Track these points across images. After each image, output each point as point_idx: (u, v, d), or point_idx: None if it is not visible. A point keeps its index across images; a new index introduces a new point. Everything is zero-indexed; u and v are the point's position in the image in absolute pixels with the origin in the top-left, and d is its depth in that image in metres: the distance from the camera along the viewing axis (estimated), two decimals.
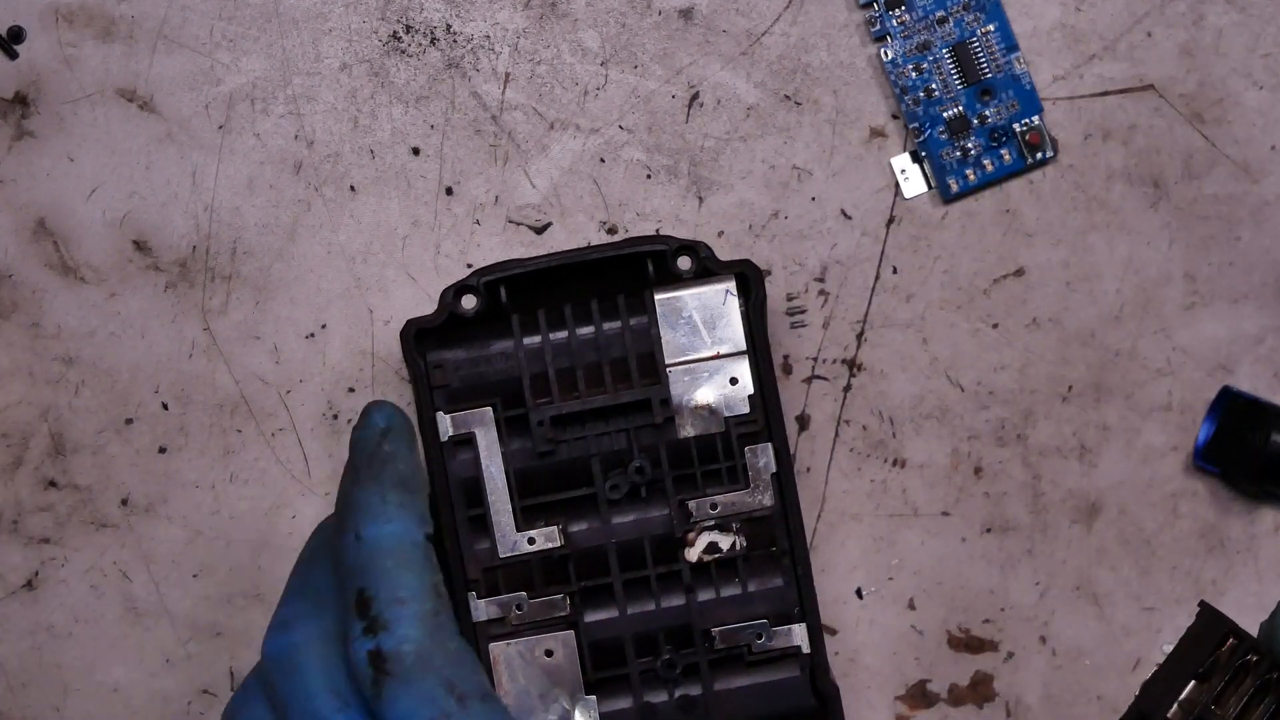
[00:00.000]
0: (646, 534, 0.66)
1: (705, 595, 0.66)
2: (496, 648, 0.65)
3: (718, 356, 0.66)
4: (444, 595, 0.58)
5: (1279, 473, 0.69)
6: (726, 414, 0.66)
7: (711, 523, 0.66)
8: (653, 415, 0.65)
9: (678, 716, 0.65)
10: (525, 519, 0.66)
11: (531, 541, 0.65)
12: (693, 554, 0.66)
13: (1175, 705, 0.58)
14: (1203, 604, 0.60)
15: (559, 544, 0.65)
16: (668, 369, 0.66)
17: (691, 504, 0.66)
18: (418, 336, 0.66)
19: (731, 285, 0.66)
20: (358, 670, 0.56)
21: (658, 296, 0.66)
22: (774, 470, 0.66)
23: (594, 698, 0.65)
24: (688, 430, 0.66)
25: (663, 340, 0.66)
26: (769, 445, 0.66)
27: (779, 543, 0.66)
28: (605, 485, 0.65)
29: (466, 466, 0.66)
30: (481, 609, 0.65)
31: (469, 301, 0.66)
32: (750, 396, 0.66)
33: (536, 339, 0.66)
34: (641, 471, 0.65)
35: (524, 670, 0.65)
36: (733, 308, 0.66)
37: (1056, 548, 0.71)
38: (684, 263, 0.66)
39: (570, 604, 0.65)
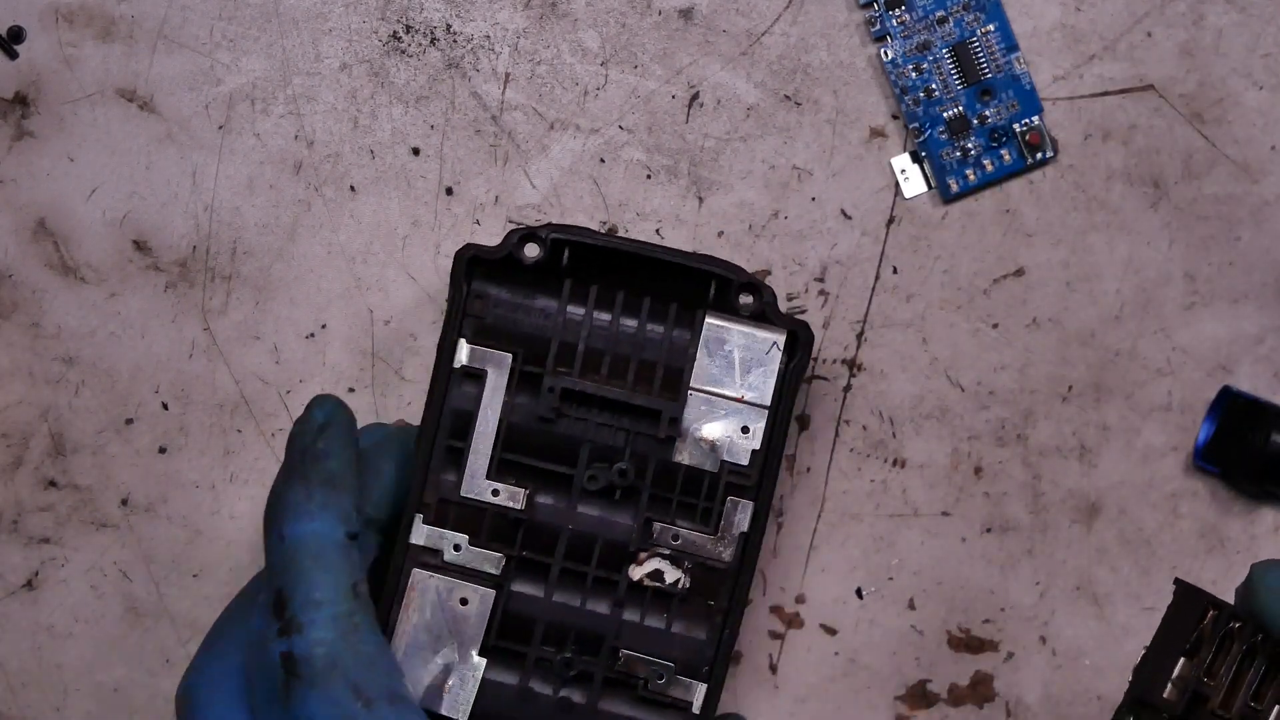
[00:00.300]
0: (603, 535, 0.65)
1: (630, 616, 0.65)
2: (419, 575, 0.64)
3: (741, 401, 0.65)
4: (363, 595, 0.58)
5: (1279, 473, 0.69)
6: (725, 458, 0.65)
7: (667, 551, 0.65)
8: (658, 428, 0.65)
9: (552, 714, 0.65)
10: (499, 471, 0.65)
11: (495, 494, 0.65)
12: (637, 573, 0.65)
13: (1169, 685, 0.58)
14: (1178, 581, 0.60)
15: (520, 507, 0.65)
16: (690, 391, 0.65)
17: (657, 526, 0.65)
18: (471, 261, 0.65)
19: (781, 340, 0.65)
20: (271, 672, 0.57)
21: (708, 320, 0.65)
22: (745, 530, 0.65)
23: (484, 661, 0.65)
24: (683, 456, 0.65)
25: (696, 363, 0.65)
26: (751, 505, 0.65)
27: (719, 600, 0.65)
28: (585, 473, 0.65)
29: (466, 400, 0.65)
30: (422, 533, 0.65)
31: (531, 250, 0.65)
32: (754, 451, 0.65)
33: (580, 311, 0.65)
34: (624, 475, 0.65)
35: (433, 607, 0.65)
36: (774, 361, 0.65)
37: (1056, 548, 0.71)
38: (745, 299, 0.66)
39: (504, 567, 0.65)
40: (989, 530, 0.71)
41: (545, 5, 0.71)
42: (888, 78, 0.71)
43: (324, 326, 0.71)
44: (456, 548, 0.65)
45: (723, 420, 0.65)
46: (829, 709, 0.71)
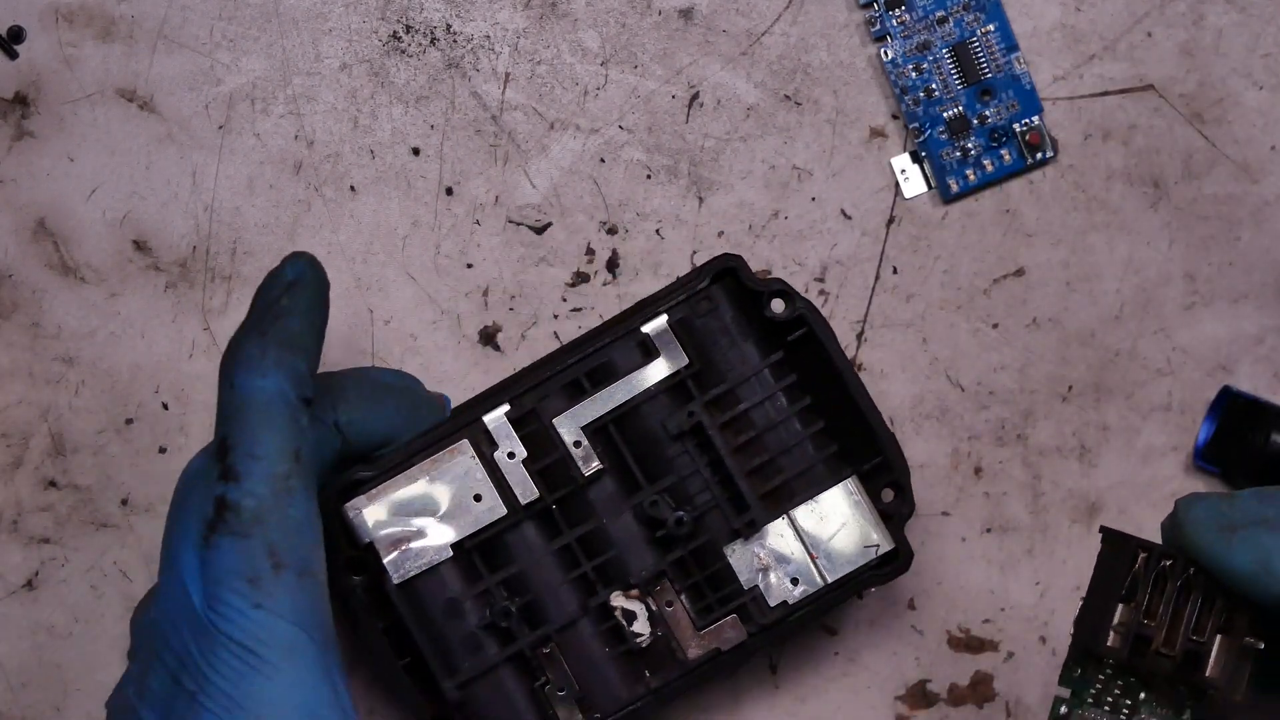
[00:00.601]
0: (622, 551, 0.65)
1: (583, 626, 0.65)
2: (465, 448, 0.64)
3: (812, 559, 0.65)
4: (305, 462, 0.58)
5: (1279, 473, 0.69)
6: (760, 586, 0.65)
7: (653, 608, 0.65)
8: (736, 518, 0.65)
9: (458, 638, 0.65)
10: (595, 435, 0.65)
11: (577, 445, 0.65)
12: (617, 600, 0.65)
13: (1111, 632, 0.58)
14: (1104, 529, 0.60)
15: (585, 473, 0.65)
16: (785, 515, 0.65)
17: (665, 584, 0.65)
18: (728, 269, 0.65)
19: (883, 550, 0.65)
20: (204, 511, 0.58)
21: (848, 483, 0.65)
22: (721, 650, 0.65)
23: (449, 557, 0.65)
24: (732, 554, 0.65)
25: (810, 503, 0.65)
26: (745, 638, 0.65)
27: (655, 679, 0.65)
28: (652, 495, 0.65)
29: (622, 358, 0.65)
30: (497, 421, 0.65)
31: (777, 306, 0.65)
32: (781, 604, 0.65)
33: (767, 384, 0.65)
34: (679, 524, 0.65)
35: (451, 479, 0.64)
36: (863, 559, 0.65)
37: (1056, 548, 0.71)
38: (888, 494, 0.66)
39: (530, 504, 0.65)
40: (989, 530, 0.71)
41: (545, 5, 0.71)
42: (888, 78, 0.71)
43: None
44: (510, 455, 0.65)
45: (786, 559, 0.65)
46: (829, 709, 0.71)
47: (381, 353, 0.71)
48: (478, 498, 0.65)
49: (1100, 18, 0.71)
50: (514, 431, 0.65)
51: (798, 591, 0.65)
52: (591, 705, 0.65)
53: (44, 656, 0.71)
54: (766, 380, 0.65)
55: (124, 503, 0.71)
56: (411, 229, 0.71)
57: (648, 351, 0.65)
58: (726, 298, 0.66)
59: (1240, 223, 0.71)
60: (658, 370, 0.65)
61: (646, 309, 0.65)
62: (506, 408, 0.65)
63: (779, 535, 0.65)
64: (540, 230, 0.71)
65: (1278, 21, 0.71)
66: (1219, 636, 0.58)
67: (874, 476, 0.66)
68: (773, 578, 0.65)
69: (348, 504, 0.64)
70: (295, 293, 0.60)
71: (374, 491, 0.64)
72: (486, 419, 0.65)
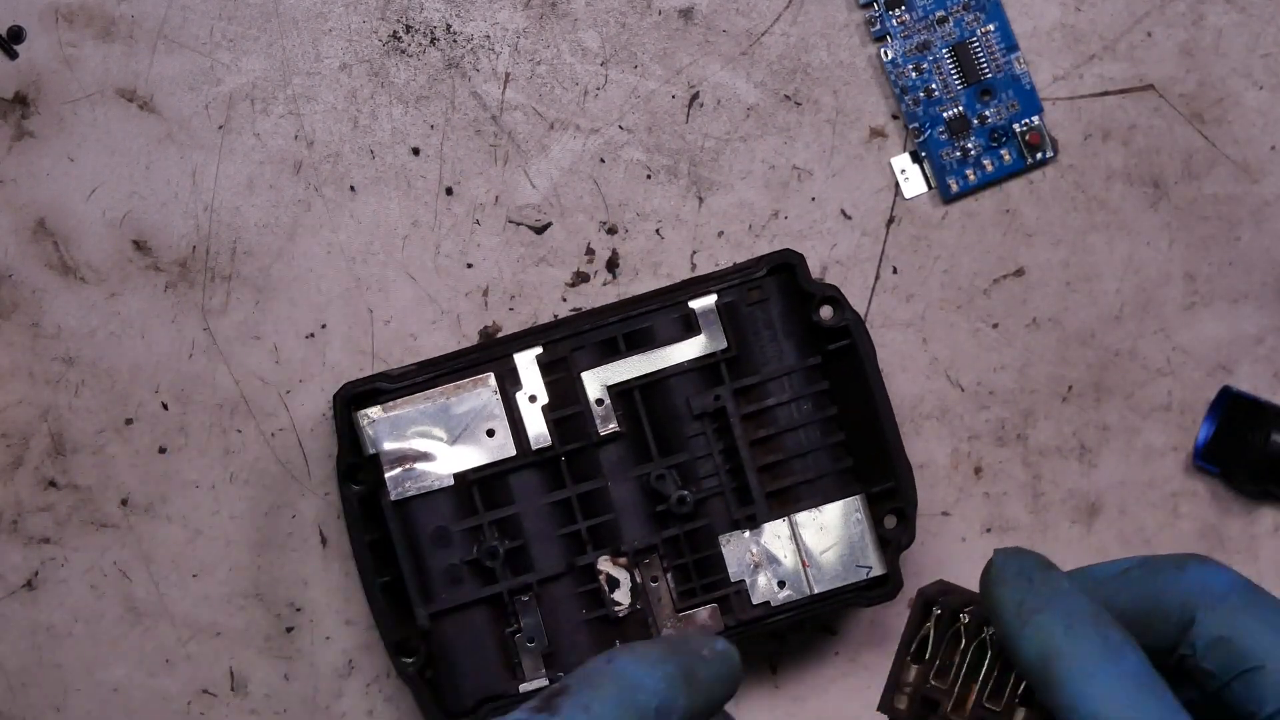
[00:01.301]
0: (619, 517, 0.65)
1: (564, 583, 0.65)
2: (488, 379, 0.65)
3: (803, 566, 0.65)
4: None
5: (1279, 473, 0.69)
6: (745, 582, 0.65)
7: (638, 581, 0.65)
8: (739, 508, 0.65)
9: (435, 571, 0.65)
10: (618, 397, 0.65)
11: (599, 403, 0.65)
12: (604, 565, 0.65)
13: (903, 695, 0.55)
14: (920, 590, 0.56)
15: (600, 433, 0.65)
16: (787, 517, 0.65)
17: (654, 558, 0.65)
18: (786, 265, 0.65)
19: (871, 573, 0.65)
20: None
21: (855, 499, 0.65)
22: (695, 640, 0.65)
23: (449, 485, 0.64)
24: (726, 545, 0.65)
25: (815, 510, 0.65)
26: (721, 627, 0.65)
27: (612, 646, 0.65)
28: (658, 470, 0.65)
29: (664, 330, 0.65)
30: (529, 364, 0.65)
31: (826, 312, 0.66)
32: (764, 604, 0.65)
33: (801, 389, 0.65)
34: (681, 501, 0.65)
35: (469, 410, 0.65)
36: (855, 575, 0.65)
37: (1056, 548, 0.71)
38: (891, 522, 0.66)
39: (540, 450, 0.65)
40: (989, 530, 0.71)
41: (545, 5, 0.71)
42: (888, 78, 0.71)
43: (324, 326, 0.71)
44: (532, 399, 0.65)
45: (778, 561, 0.65)
46: (829, 709, 0.71)
47: (381, 353, 0.71)
48: (490, 433, 0.65)
49: (1100, 18, 0.71)
50: (541, 376, 0.65)
51: (782, 595, 0.65)
52: (557, 662, 0.65)
53: (44, 656, 0.71)
54: (798, 382, 0.66)
55: (124, 503, 0.71)
56: (411, 229, 0.71)
57: (689, 327, 0.65)
58: (778, 292, 0.66)
59: (1240, 223, 0.71)
60: (694, 347, 0.65)
61: (698, 285, 0.65)
62: (539, 350, 0.65)
63: (776, 536, 0.65)
64: (540, 230, 0.71)
65: (1278, 21, 0.71)
66: (1022, 710, 0.51)
67: (881, 500, 0.66)
68: (761, 576, 0.65)
69: (362, 411, 0.64)
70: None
71: (390, 404, 0.64)
72: (517, 357, 0.65)
